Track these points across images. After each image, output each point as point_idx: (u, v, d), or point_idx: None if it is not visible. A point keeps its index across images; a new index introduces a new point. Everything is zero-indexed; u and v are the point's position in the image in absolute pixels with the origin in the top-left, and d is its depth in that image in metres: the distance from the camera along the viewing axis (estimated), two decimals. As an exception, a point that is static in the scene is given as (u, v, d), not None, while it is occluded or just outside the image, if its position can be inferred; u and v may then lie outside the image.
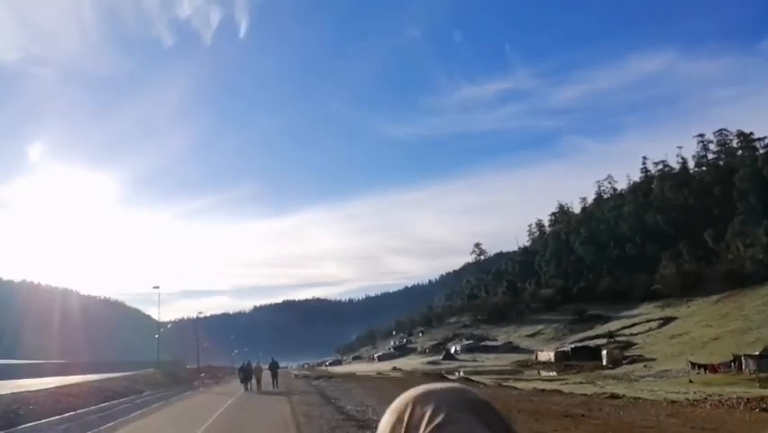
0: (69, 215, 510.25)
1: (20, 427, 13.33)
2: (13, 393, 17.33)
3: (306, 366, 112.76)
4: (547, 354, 71.04)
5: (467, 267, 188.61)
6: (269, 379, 32.39)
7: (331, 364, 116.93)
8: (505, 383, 37.28)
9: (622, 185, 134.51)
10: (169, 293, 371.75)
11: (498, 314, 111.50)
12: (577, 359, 63.45)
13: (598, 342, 71.17)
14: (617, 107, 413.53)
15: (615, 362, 56.95)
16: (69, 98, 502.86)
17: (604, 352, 61.37)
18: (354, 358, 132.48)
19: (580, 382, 39.18)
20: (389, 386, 31.06)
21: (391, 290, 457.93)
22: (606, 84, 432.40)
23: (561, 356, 67.23)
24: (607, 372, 51.31)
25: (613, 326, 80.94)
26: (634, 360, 56.76)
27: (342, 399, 22.25)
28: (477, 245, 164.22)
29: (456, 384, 1.14)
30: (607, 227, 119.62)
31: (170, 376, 37.88)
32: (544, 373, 55.98)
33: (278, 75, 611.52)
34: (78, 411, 17.11)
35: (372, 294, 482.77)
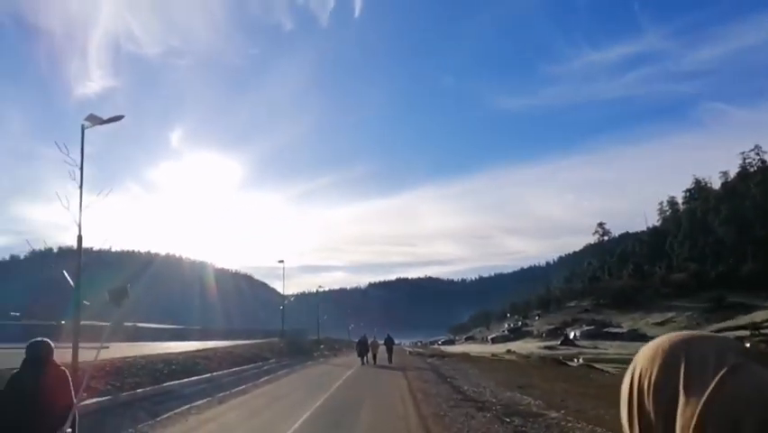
0: (204, 195, 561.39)
1: (165, 384, 14.70)
2: (158, 354, 19.25)
3: (418, 344, 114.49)
4: (679, 344, 65.92)
5: (588, 248, 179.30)
6: (384, 354, 33.17)
7: (443, 344, 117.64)
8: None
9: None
10: (291, 268, 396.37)
11: (623, 299, 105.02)
12: (714, 351, 58.18)
13: (738, 334, 64.73)
14: (766, 67, 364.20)
15: (761, 356, 51.33)
16: (203, 87, 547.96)
17: (747, 345, 55.50)
18: (467, 339, 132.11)
19: (720, 377, 35.60)
20: (506, 368, 30.38)
21: (505, 271, 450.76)
22: (751, 40, 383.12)
23: (695, 347, 61.98)
24: (751, 367, 46.27)
25: (758, 316, 74.30)
26: (784, 355, 50.74)
27: (457, 378, 22.07)
28: (600, 225, 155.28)
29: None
30: (752, 205, 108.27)
31: (293, 346, 40.04)
32: (675, 365, 51.76)
33: (392, 52, 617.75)
34: (213, 374, 18.57)
35: (485, 275, 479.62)
